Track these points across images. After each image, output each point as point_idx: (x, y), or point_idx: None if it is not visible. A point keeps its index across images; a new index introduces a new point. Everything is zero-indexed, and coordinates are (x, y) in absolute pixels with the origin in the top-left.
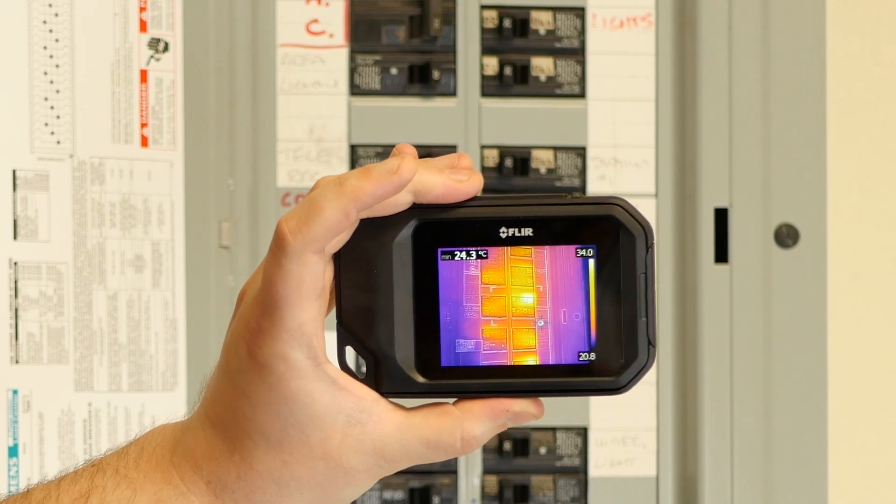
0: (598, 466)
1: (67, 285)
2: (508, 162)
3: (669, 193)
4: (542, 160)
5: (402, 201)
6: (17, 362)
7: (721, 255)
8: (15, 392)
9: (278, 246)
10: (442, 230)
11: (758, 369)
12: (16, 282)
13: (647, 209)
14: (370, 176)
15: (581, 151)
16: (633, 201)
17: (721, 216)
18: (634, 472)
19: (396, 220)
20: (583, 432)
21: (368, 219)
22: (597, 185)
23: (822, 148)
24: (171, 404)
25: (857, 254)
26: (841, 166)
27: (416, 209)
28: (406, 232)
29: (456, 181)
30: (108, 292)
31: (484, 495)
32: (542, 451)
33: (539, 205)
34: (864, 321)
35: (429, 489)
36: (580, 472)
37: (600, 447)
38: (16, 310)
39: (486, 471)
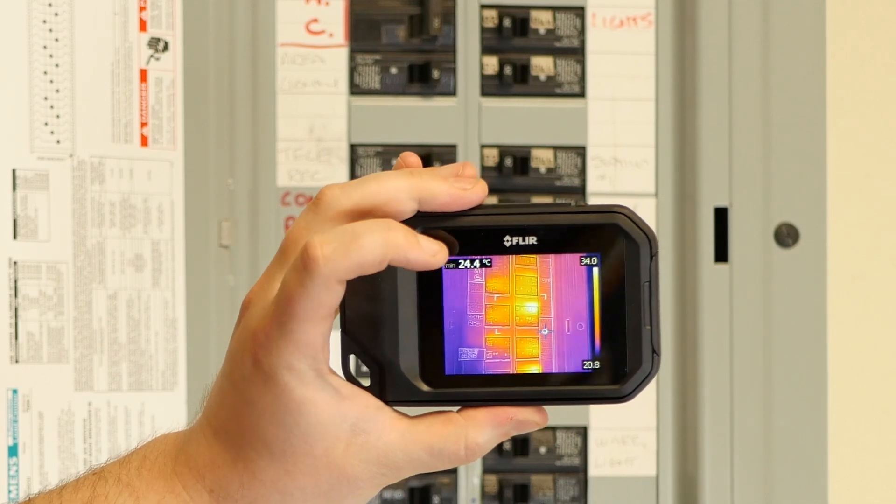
0: (598, 466)
1: (67, 285)
2: (508, 161)
3: (669, 193)
4: (541, 160)
5: (406, 209)
6: (16, 362)
7: (721, 254)
8: (15, 392)
9: (306, 266)
10: (446, 238)
11: (758, 369)
12: (16, 281)
13: (647, 209)
14: (419, 246)
15: (581, 151)
16: (632, 201)
17: (721, 216)
18: (634, 471)
19: None
20: (583, 432)
21: None
22: (597, 185)
23: (822, 148)
24: (171, 404)
25: (857, 254)
26: (841, 166)
27: (421, 217)
28: None
29: (460, 189)
30: (108, 292)
31: (484, 495)
32: (542, 450)
33: (543, 213)
34: (864, 321)
35: (429, 488)
36: (580, 472)
37: (600, 447)
38: (16, 309)
39: (486, 470)
